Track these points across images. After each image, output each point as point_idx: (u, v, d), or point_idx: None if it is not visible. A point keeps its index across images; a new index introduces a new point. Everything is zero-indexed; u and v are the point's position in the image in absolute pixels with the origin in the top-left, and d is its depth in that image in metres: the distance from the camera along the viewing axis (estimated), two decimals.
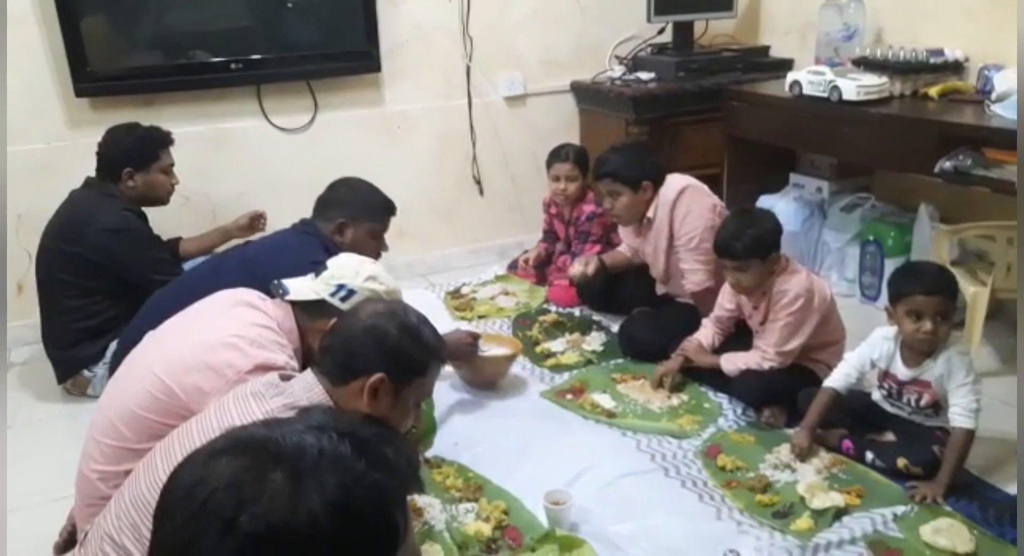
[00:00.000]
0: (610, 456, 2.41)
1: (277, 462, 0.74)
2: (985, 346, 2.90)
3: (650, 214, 3.00)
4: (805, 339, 2.54)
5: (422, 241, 3.99)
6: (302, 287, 2.00)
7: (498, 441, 2.48)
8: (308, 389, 1.50)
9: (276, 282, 2.01)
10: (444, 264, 4.05)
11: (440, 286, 3.82)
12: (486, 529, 2.10)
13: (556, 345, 3.14)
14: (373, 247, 2.63)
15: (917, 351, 2.24)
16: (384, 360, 1.49)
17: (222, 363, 1.73)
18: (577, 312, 3.42)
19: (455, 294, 3.72)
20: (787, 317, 2.51)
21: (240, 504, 0.71)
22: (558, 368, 2.98)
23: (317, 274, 2.01)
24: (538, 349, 3.12)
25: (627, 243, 3.24)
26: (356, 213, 2.63)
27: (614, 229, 3.41)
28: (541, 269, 3.75)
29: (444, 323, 3.47)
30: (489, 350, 2.85)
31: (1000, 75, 2.79)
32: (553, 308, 3.47)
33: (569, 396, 2.77)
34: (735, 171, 3.68)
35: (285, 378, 1.55)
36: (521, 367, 3.02)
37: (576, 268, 3.17)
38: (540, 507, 2.13)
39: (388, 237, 2.76)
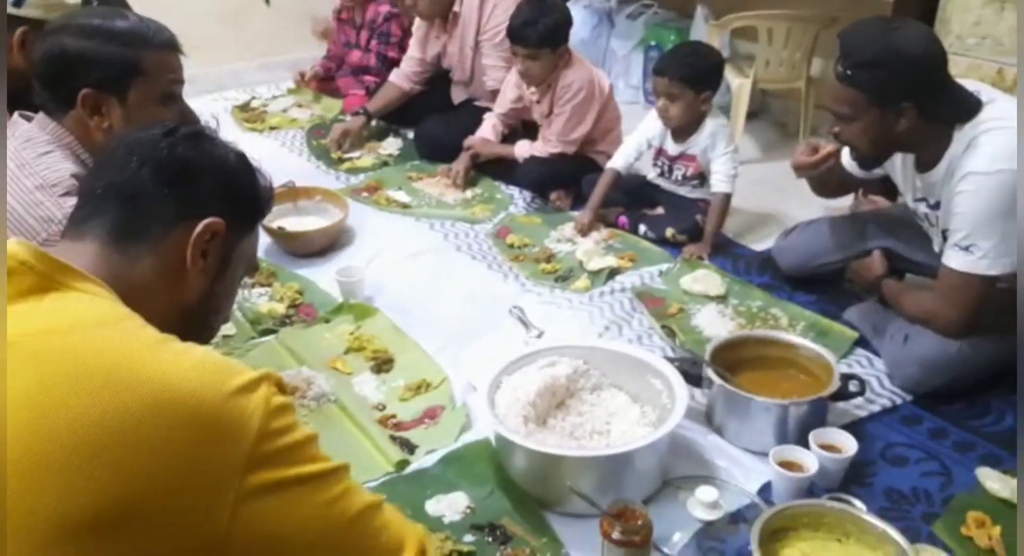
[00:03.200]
0: (404, 239, 2.49)
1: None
2: (748, 139, 3.18)
3: (456, 8, 2.92)
4: (588, 129, 2.67)
5: (206, 53, 3.68)
6: None
7: None
8: (43, 126, 1.39)
9: None
10: (233, 80, 3.82)
11: (229, 101, 3.63)
12: (280, 308, 2.13)
13: (353, 150, 3.11)
14: None
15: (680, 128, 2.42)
16: (88, 73, 1.34)
17: None
18: (373, 121, 3.36)
19: (244, 107, 3.56)
20: (571, 109, 2.62)
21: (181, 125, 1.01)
22: (354, 170, 2.98)
23: None
24: (334, 154, 3.08)
25: (420, 54, 3.13)
26: None
27: (410, 34, 3.33)
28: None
29: (233, 136, 3.31)
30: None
31: None
32: (349, 118, 3.39)
33: (364, 193, 2.78)
34: None
35: (26, 117, 1.43)
36: (315, 168, 2.99)
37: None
38: (335, 286, 2.18)
39: None
